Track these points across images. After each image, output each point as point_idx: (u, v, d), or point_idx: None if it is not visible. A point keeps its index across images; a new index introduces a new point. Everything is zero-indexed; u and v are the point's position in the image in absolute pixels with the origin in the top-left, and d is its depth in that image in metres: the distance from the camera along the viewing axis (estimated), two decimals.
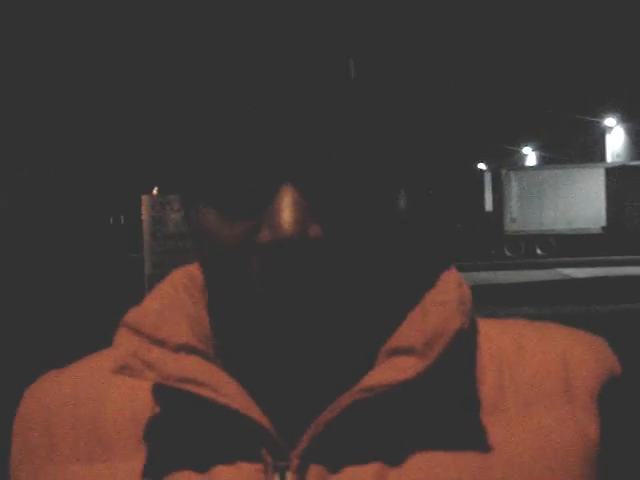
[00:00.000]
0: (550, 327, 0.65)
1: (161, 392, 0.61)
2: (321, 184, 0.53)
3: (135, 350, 0.58)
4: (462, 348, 0.59)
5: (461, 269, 0.66)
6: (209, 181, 0.55)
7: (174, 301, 0.63)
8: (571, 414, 0.59)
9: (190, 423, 0.59)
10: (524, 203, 24.31)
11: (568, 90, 36.33)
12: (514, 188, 24.34)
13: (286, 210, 0.52)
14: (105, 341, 0.66)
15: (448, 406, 0.59)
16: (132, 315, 0.61)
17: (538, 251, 24.05)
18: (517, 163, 47.26)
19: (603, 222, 24.04)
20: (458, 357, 0.59)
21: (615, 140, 36.79)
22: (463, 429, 0.58)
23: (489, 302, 12.34)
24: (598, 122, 36.81)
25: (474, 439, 0.58)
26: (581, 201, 24.10)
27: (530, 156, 50.62)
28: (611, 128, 36.75)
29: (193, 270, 0.67)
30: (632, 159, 30.23)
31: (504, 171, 24.78)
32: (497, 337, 0.63)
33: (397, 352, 0.57)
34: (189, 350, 0.59)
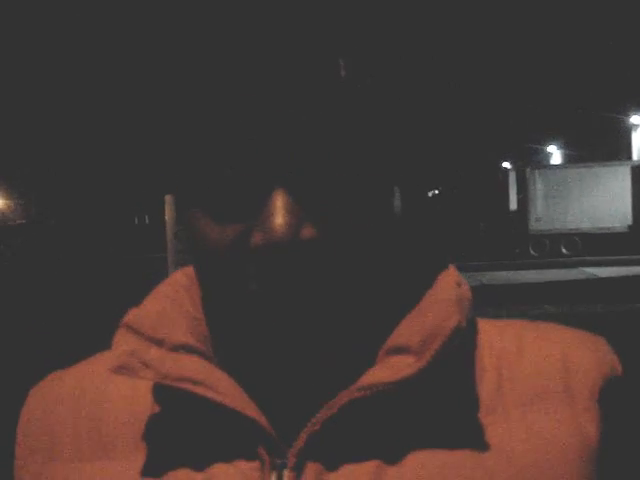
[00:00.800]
0: (550, 327, 0.65)
1: (160, 391, 0.62)
2: (314, 186, 0.54)
3: (134, 350, 0.59)
4: (461, 347, 0.59)
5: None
6: (201, 183, 0.55)
7: (173, 301, 0.64)
8: (570, 414, 0.59)
9: (189, 422, 0.60)
10: (549, 202, 24.09)
11: (594, 87, 35.98)
12: (539, 187, 24.13)
13: (278, 213, 0.52)
14: None
15: (446, 405, 0.59)
16: (131, 315, 0.62)
17: (563, 250, 23.81)
18: (542, 162, 46.81)
19: (629, 220, 23.74)
20: (456, 356, 0.59)
21: None
22: (461, 428, 0.58)
23: (514, 302, 12.26)
24: (624, 119, 36.39)
25: (472, 438, 0.58)
26: (607, 199, 23.82)
27: (555, 154, 50.16)
28: (637, 126, 36.30)
29: (193, 271, 0.67)
30: None
31: (529, 170, 24.56)
32: (497, 337, 0.63)
33: (394, 351, 0.58)
34: (187, 350, 0.60)
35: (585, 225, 23.92)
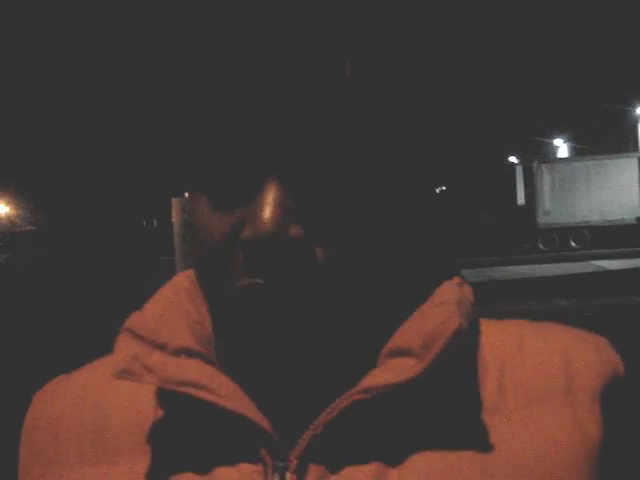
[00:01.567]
0: (552, 327, 0.65)
1: (163, 396, 0.62)
2: (308, 183, 0.54)
3: (136, 354, 0.59)
4: (462, 349, 0.59)
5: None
6: (202, 166, 0.56)
7: (175, 305, 0.64)
8: (572, 414, 0.59)
9: (192, 426, 0.60)
10: (557, 195, 24.04)
11: (599, 80, 35.91)
12: (546, 181, 24.09)
13: (267, 207, 0.52)
14: None
15: (449, 406, 0.59)
16: (133, 320, 0.62)
17: (572, 244, 23.77)
18: (549, 155, 46.75)
19: (637, 213, 23.67)
20: (458, 358, 0.59)
21: None
22: (464, 429, 0.58)
23: (524, 296, 12.25)
24: (630, 111, 36.30)
25: (475, 439, 0.57)
26: (615, 192, 23.76)
27: (562, 148, 50.07)
28: None
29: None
30: None
31: (536, 164, 24.51)
32: (499, 338, 0.63)
33: (396, 353, 0.57)
34: (189, 353, 0.59)
35: (593, 218, 23.88)
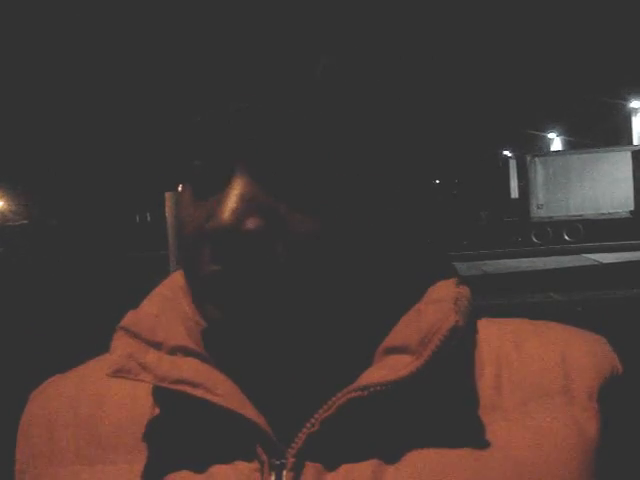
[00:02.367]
0: (550, 326, 0.65)
1: (160, 394, 0.62)
2: (281, 178, 0.54)
3: (131, 353, 0.59)
4: (459, 346, 0.59)
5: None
6: (185, 159, 0.57)
7: (171, 303, 0.64)
8: (570, 413, 0.59)
9: (188, 424, 0.60)
10: (550, 189, 24.05)
11: (592, 72, 35.95)
12: (540, 174, 24.09)
13: (228, 199, 0.53)
14: None
15: (445, 404, 0.59)
16: (129, 318, 0.62)
17: (566, 237, 23.79)
18: (542, 149, 46.78)
19: (631, 206, 23.71)
20: (455, 355, 0.59)
21: None
22: (460, 427, 0.58)
23: (518, 290, 12.27)
24: (623, 104, 36.34)
25: (471, 437, 0.57)
26: (608, 185, 23.78)
27: (555, 141, 50.12)
28: (637, 110, 36.25)
29: None
30: None
31: (529, 157, 24.50)
32: (496, 336, 0.63)
33: (392, 351, 0.58)
34: (184, 352, 0.59)
35: (587, 211, 23.90)
